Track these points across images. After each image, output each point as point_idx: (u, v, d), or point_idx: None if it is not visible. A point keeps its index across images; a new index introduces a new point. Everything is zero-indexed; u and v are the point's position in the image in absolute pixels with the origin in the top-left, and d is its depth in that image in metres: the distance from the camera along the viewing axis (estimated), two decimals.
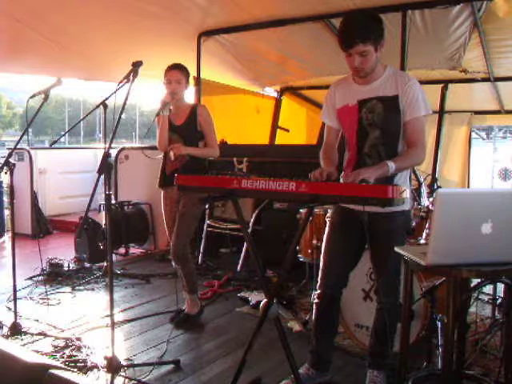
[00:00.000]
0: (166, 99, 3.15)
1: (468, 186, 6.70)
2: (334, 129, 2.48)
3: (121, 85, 2.45)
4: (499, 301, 3.19)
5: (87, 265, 4.70)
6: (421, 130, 2.28)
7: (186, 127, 3.24)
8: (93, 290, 4.10)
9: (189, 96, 5.57)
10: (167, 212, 3.37)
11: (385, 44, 2.24)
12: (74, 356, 2.78)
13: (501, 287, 3.05)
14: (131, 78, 2.44)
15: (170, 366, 2.75)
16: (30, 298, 3.82)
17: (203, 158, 3.28)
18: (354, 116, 2.33)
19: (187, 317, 3.36)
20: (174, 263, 3.35)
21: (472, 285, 2.43)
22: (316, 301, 2.53)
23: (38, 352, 2.73)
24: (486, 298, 3.54)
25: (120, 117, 2.35)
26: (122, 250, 5.31)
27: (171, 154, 3.15)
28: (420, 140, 2.27)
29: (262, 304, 2.12)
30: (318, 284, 2.52)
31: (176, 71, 3.18)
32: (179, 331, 3.25)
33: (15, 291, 3.16)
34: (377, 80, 2.29)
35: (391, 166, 2.14)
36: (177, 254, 3.24)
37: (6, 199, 6.23)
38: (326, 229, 2.54)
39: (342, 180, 2.40)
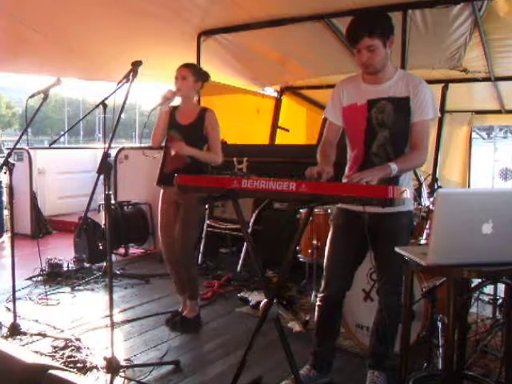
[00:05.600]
0: (167, 94, 3.11)
1: (468, 186, 6.70)
2: (335, 126, 2.48)
3: (120, 84, 2.44)
4: (500, 301, 3.19)
5: (87, 265, 4.69)
6: (426, 132, 2.30)
7: (192, 128, 3.17)
8: (92, 290, 4.10)
9: None
10: (163, 212, 3.29)
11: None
12: (74, 356, 2.77)
13: (501, 287, 3.04)
14: (131, 77, 2.44)
15: (170, 367, 2.75)
16: (30, 298, 3.81)
17: (205, 162, 3.21)
18: (362, 115, 2.33)
19: (184, 319, 3.32)
20: (168, 267, 3.32)
21: (473, 285, 2.43)
22: (319, 303, 2.52)
23: (37, 352, 2.72)
24: (486, 299, 3.54)
25: (120, 116, 2.34)
26: (121, 250, 5.30)
27: (172, 151, 3.11)
28: (424, 142, 2.28)
29: (261, 304, 2.12)
30: (322, 287, 2.51)
31: (182, 68, 3.18)
32: (179, 332, 3.24)
33: (14, 291, 3.16)
34: (388, 81, 2.30)
35: (394, 167, 2.14)
36: (180, 260, 3.22)
37: (5, 199, 6.22)
38: (330, 231, 2.53)
39: (344, 180, 2.40)
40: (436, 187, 3.93)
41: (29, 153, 6.30)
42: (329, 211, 3.50)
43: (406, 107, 2.27)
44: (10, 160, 3.05)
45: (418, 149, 2.27)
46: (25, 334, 3.08)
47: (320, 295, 2.52)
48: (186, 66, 3.20)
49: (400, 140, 2.31)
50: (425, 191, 3.53)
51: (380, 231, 2.30)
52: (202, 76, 3.25)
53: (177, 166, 3.15)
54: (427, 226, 3.01)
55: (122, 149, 5.87)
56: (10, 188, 3.29)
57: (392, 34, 2.23)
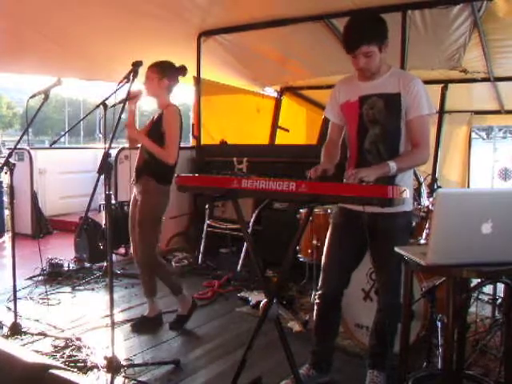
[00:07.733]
0: (134, 92, 3.01)
1: (468, 186, 6.70)
2: (337, 125, 2.49)
3: (121, 85, 2.45)
4: (499, 301, 3.19)
5: (87, 265, 4.70)
6: (424, 129, 2.27)
7: (152, 129, 3.16)
8: (93, 289, 4.10)
9: (188, 96, 5.60)
10: (131, 212, 3.27)
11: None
12: (74, 356, 2.77)
13: (501, 287, 3.05)
14: (131, 77, 2.44)
15: (170, 366, 2.75)
16: (30, 298, 3.82)
17: (157, 158, 3.08)
18: (355, 112, 2.34)
19: (179, 318, 3.31)
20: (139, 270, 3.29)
21: (472, 285, 2.43)
22: (317, 301, 2.53)
23: (38, 352, 2.73)
24: (485, 298, 3.54)
25: (120, 117, 2.34)
26: (121, 250, 5.30)
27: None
28: (423, 139, 2.26)
29: (261, 304, 2.12)
30: (320, 285, 2.51)
31: (147, 69, 3.11)
32: (179, 331, 3.25)
33: (15, 291, 3.16)
34: (379, 78, 2.30)
35: (392, 165, 2.14)
36: (143, 264, 3.20)
37: (5, 199, 6.22)
38: (329, 230, 2.54)
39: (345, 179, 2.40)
40: (435, 187, 3.93)
41: (29, 153, 6.30)
42: (329, 211, 3.51)
43: (396, 103, 2.26)
44: (11, 160, 3.06)
45: (419, 146, 2.25)
46: (25, 333, 3.09)
47: (317, 293, 2.53)
48: (150, 66, 3.11)
49: (391, 137, 2.29)
50: (424, 191, 3.53)
51: (377, 231, 2.29)
52: (169, 73, 3.12)
53: (138, 163, 3.20)
54: (427, 226, 3.02)
55: (122, 149, 5.87)
56: (11, 188, 3.29)
57: (387, 38, 2.23)
